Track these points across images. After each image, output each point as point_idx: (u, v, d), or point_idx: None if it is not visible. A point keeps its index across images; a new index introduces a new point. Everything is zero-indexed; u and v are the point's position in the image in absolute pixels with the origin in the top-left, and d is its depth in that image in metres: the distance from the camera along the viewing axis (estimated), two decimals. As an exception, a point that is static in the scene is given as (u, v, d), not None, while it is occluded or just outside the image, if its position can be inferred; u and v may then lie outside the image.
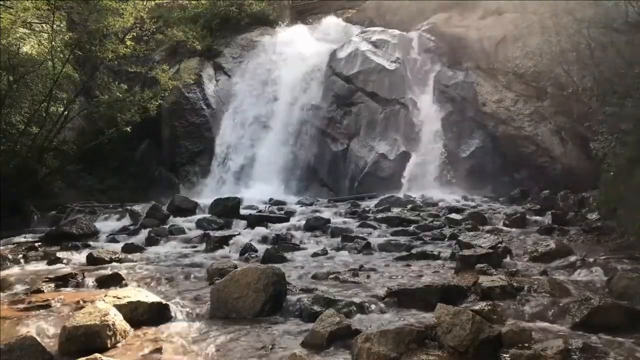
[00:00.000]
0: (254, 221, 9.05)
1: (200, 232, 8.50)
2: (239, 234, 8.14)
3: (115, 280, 5.52)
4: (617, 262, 5.81)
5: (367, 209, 10.55)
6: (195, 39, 16.28)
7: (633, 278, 4.69)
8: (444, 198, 11.64)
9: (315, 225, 8.67)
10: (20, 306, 4.70)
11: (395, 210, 10.14)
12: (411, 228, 8.45)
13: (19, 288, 5.35)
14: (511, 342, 3.53)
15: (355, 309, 4.40)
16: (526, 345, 3.51)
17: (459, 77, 14.12)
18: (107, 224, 9.68)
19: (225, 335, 3.96)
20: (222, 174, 14.46)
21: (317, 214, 9.70)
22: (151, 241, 8.04)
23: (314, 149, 14.33)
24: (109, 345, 3.68)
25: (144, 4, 13.14)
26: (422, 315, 4.24)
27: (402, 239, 7.68)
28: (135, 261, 6.77)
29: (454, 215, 9.22)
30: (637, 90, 7.27)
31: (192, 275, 5.89)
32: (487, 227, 8.52)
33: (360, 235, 8.02)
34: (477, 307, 4.22)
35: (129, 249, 7.44)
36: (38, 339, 3.57)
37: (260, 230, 8.49)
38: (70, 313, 4.30)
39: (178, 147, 15.03)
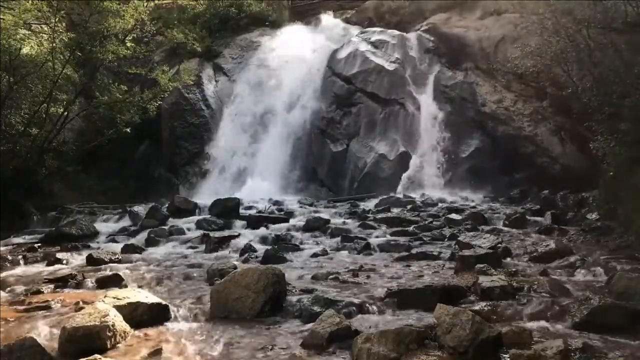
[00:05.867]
0: (253, 222, 9.06)
1: (199, 232, 8.49)
2: (238, 234, 8.13)
3: (115, 281, 5.51)
4: (617, 262, 5.81)
5: (366, 209, 10.55)
6: (194, 40, 16.31)
7: (633, 278, 4.69)
8: (444, 198, 11.65)
9: (315, 226, 8.66)
10: (20, 307, 4.69)
11: (395, 211, 10.14)
12: (411, 228, 8.45)
13: (18, 289, 5.34)
14: (511, 342, 3.53)
15: (355, 309, 4.40)
16: (526, 345, 3.51)
17: (459, 78, 14.14)
18: (106, 225, 9.68)
19: (225, 336, 3.96)
20: (221, 174, 14.46)
21: (317, 215, 9.69)
22: (151, 242, 8.05)
23: (313, 149, 14.35)
24: (108, 346, 3.68)
25: (145, 5, 13.15)
26: (422, 315, 4.24)
27: (402, 239, 7.67)
28: (135, 262, 6.76)
29: (453, 216, 9.22)
30: (636, 90, 7.27)
31: (191, 276, 5.89)
32: (487, 227, 8.51)
33: (360, 235, 8.02)
34: (477, 307, 4.23)
35: (128, 249, 7.45)
36: (38, 340, 3.55)
37: (260, 231, 8.49)
38: (70, 314, 4.29)
39: (178, 147, 15.03)
